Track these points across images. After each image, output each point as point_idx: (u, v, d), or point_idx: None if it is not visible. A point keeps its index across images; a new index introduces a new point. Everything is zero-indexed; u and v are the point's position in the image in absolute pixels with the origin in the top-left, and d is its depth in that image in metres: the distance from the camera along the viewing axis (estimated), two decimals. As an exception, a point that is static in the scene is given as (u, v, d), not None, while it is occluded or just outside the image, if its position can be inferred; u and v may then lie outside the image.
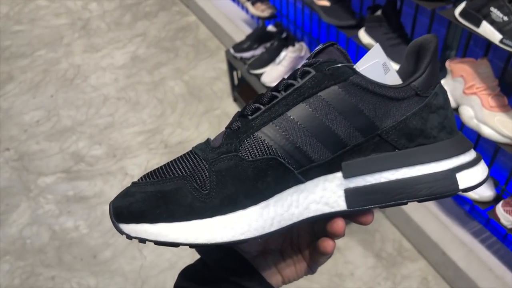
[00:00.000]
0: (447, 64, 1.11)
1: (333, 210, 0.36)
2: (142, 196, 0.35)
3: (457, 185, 0.35)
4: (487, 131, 1.04)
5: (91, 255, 1.45)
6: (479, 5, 0.95)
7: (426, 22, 1.24)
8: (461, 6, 1.00)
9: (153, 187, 0.35)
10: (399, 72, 0.39)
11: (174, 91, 2.13)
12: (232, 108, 2.01)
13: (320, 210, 0.36)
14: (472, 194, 1.16)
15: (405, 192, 0.35)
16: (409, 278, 1.34)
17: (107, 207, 1.58)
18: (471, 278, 1.22)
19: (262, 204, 0.35)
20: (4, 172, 1.75)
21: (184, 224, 0.34)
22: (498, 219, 1.10)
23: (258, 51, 1.85)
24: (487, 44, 1.11)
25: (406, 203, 0.36)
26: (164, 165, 0.37)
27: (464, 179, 0.36)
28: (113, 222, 0.35)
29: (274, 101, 0.36)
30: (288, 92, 0.35)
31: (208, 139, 0.37)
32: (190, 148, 0.38)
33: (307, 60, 0.37)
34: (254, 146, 0.35)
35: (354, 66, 0.35)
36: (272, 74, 1.69)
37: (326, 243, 0.38)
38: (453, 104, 1.13)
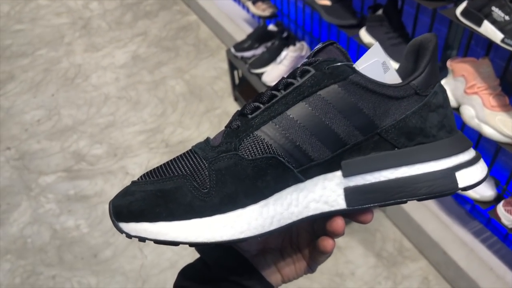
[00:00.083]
0: (448, 63, 1.11)
1: (332, 209, 0.36)
2: (141, 195, 0.35)
3: (457, 184, 0.35)
4: (488, 131, 1.04)
5: (91, 254, 1.45)
6: (481, 4, 0.95)
7: (427, 21, 1.24)
8: (462, 5, 0.99)
9: (152, 186, 0.35)
10: (398, 71, 0.39)
11: (175, 91, 2.13)
12: (233, 108, 2.01)
13: (320, 209, 0.36)
14: (473, 194, 1.16)
15: (404, 191, 0.35)
16: (409, 278, 1.34)
17: (107, 206, 1.58)
18: (472, 278, 1.21)
19: (262, 203, 0.35)
20: (5, 171, 1.75)
21: (183, 223, 0.34)
22: (499, 218, 1.10)
23: (259, 50, 1.85)
24: (489, 44, 1.11)
25: (405, 202, 0.36)
26: (164, 164, 0.37)
27: (464, 178, 0.36)
28: (112, 221, 0.35)
29: (274, 100, 0.36)
30: (287, 91, 0.35)
31: (207, 138, 0.37)
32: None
33: (306, 59, 0.37)
34: (253, 145, 0.35)
35: (354, 65, 0.35)
36: (273, 74, 1.69)
37: (325, 242, 0.38)
38: (454, 103, 1.13)
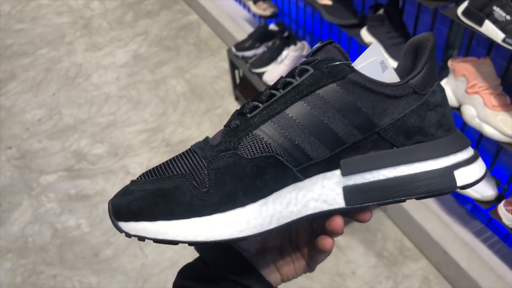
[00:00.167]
0: (450, 63, 1.11)
1: (331, 207, 0.36)
2: (141, 194, 0.35)
3: (455, 183, 0.35)
4: (489, 131, 1.04)
5: (92, 254, 1.45)
6: (482, 4, 0.95)
7: (429, 21, 1.24)
8: (464, 5, 0.99)
9: (152, 185, 0.35)
10: (397, 70, 0.39)
11: (176, 90, 2.13)
12: (234, 107, 2.01)
13: (319, 208, 0.36)
14: (474, 194, 1.16)
15: (403, 189, 0.35)
16: (410, 278, 1.34)
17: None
18: (473, 277, 1.21)
19: (261, 202, 0.35)
20: (6, 170, 1.76)
21: (183, 222, 0.34)
22: (500, 218, 1.10)
23: (260, 50, 1.85)
24: (490, 43, 1.11)
25: (404, 201, 0.36)
26: (163, 163, 0.37)
27: (462, 177, 0.36)
28: (112, 220, 0.35)
29: (273, 99, 0.36)
30: (286, 90, 0.35)
31: (206, 137, 0.37)
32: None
33: (305, 59, 0.37)
34: (252, 144, 0.35)
35: (352, 64, 0.35)
36: (273, 73, 1.68)
37: (325, 241, 0.38)
38: (455, 103, 1.13)
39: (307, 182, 0.36)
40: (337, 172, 0.36)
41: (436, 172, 0.35)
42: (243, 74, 1.93)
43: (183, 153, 0.37)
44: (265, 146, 0.35)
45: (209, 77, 2.20)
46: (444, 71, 1.23)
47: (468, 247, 1.27)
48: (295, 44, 1.72)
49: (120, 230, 0.34)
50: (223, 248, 0.42)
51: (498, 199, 1.15)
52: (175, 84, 2.17)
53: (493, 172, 1.23)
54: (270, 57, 1.75)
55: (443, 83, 1.15)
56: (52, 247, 1.48)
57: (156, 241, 0.34)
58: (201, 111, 2.00)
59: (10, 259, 1.44)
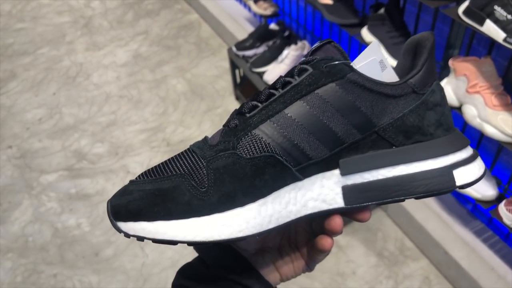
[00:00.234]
0: (450, 62, 1.11)
1: (330, 207, 0.36)
2: (140, 194, 0.35)
3: (454, 182, 0.35)
4: (490, 130, 1.03)
5: (93, 253, 1.45)
6: (483, 3, 0.94)
7: (429, 20, 1.24)
8: (465, 4, 0.99)
9: (150, 185, 0.35)
10: (396, 69, 0.39)
11: (176, 89, 2.13)
12: (234, 107, 2.01)
13: (318, 208, 0.36)
14: (474, 193, 1.16)
15: (402, 189, 0.35)
16: (411, 277, 1.34)
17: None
18: (473, 277, 1.21)
19: (260, 201, 0.35)
20: (6, 169, 1.76)
21: (182, 222, 0.34)
22: (501, 218, 1.09)
23: (261, 49, 1.85)
24: (491, 43, 1.11)
25: (403, 200, 0.36)
26: (162, 163, 0.37)
27: (461, 176, 0.36)
28: (111, 220, 0.35)
29: (272, 99, 0.36)
30: (285, 89, 0.35)
31: (205, 137, 0.37)
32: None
33: (304, 58, 0.37)
34: (251, 144, 0.35)
35: (351, 64, 0.35)
36: (274, 73, 1.68)
37: (324, 241, 0.38)
38: (456, 103, 1.12)
39: (306, 182, 0.36)
40: (336, 171, 0.36)
41: (435, 172, 0.35)
42: (243, 74, 1.93)
43: (182, 153, 0.37)
44: (264, 146, 0.34)
45: (209, 77, 2.20)
46: (445, 71, 1.22)
47: (469, 247, 1.27)
48: (295, 43, 1.72)
49: (119, 230, 0.34)
50: (222, 248, 0.41)
51: (498, 199, 1.15)
52: (176, 84, 2.17)
53: (494, 171, 1.23)
54: (271, 57, 1.75)
55: (444, 82, 1.15)
56: (52, 246, 1.48)
57: (155, 241, 0.34)
58: (202, 110, 2.00)
59: (11, 259, 1.45)
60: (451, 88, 1.13)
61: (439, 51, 1.27)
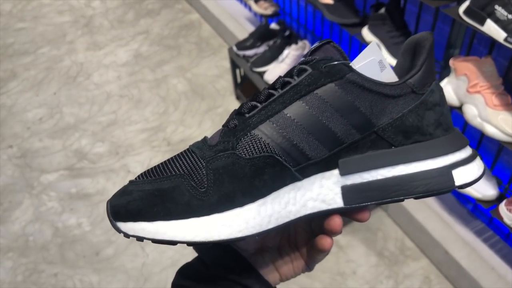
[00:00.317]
0: (451, 62, 1.11)
1: (330, 207, 0.36)
2: (139, 195, 0.35)
3: (453, 182, 0.35)
4: (490, 130, 1.03)
5: (93, 252, 1.45)
6: (484, 3, 0.94)
7: (430, 20, 1.24)
8: (465, 4, 0.99)
9: (150, 186, 0.35)
10: (395, 69, 0.39)
11: (177, 89, 2.13)
12: (235, 106, 2.01)
13: (317, 208, 0.36)
14: (475, 193, 1.16)
15: (401, 189, 0.35)
16: (411, 277, 1.34)
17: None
18: (474, 277, 1.21)
19: (259, 201, 0.35)
20: (7, 169, 1.76)
21: (181, 222, 0.34)
22: (501, 218, 1.09)
23: (261, 49, 1.85)
24: (491, 43, 1.11)
25: (402, 200, 0.36)
26: (162, 163, 0.37)
27: (460, 176, 0.36)
28: (110, 220, 0.35)
29: (271, 99, 0.36)
30: (284, 90, 0.35)
31: (205, 137, 0.37)
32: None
33: (303, 58, 0.37)
34: (251, 144, 0.35)
35: (351, 64, 0.35)
36: (275, 72, 1.68)
37: (323, 240, 0.38)
38: (456, 102, 1.12)
39: (306, 182, 0.36)
40: (336, 171, 0.36)
41: (435, 172, 0.35)
42: (244, 73, 1.93)
43: (181, 153, 0.37)
44: (264, 146, 0.35)
45: (210, 76, 2.20)
46: (445, 70, 1.22)
47: (469, 246, 1.27)
48: (296, 43, 1.72)
49: (119, 230, 0.34)
50: (222, 248, 0.41)
51: (499, 199, 1.15)
52: (176, 83, 2.17)
53: (494, 171, 1.23)
54: (271, 56, 1.74)
55: (445, 82, 1.15)
56: (53, 246, 1.48)
57: (155, 241, 0.34)
58: (202, 110, 2.00)
59: (11, 258, 1.45)
60: (451, 88, 1.13)
61: (440, 50, 1.27)
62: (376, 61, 0.36)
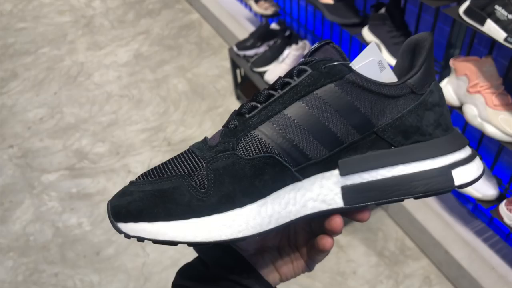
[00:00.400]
0: (451, 62, 1.11)
1: (330, 207, 0.36)
2: (140, 195, 0.35)
3: (453, 182, 0.35)
4: (490, 130, 1.03)
5: (94, 252, 1.45)
6: (484, 3, 0.94)
7: (430, 20, 1.24)
8: (466, 4, 0.99)
9: (150, 186, 0.35)
10: (394, 69, 0.39)
11: (177, 89, 2.14)
12: (235, 106, 2.01)
13: (317, 208, 0.36)
14: (475, 193, 1.16)
15: (401, 189, 0.35)
16: (411, 277, 1.34)
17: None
18: (474, 277, 1.21)
19: (260, 202, 0.35)
20: (7, 169, 1.76)
21: (182, 222, 0.34)
22: (501, 218, 1.09)
23: (261, 49, 1.85)
24: (492, 43, 1.11)
25: (402, 200, 0.36)
26: (162, 164, 0.37)
27: (460, 176, 0.36)
28: (111, 221, 0.35)
29: (271, 100, 0.36)
30: (284, 90, 0.35)
31: (205, 138, 0.37)
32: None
33: (303, 59, 0.37)
34: (251, 144, 0.35)
35: (350, 64, 0.35)
36: (275, 72, 1.68)
37: (324, 240, 0.38)
38: (456, 102, 1.12)
39: (306, 182, 0.36)
40: (336, 172, 0.36)
41: (434, 172, 0.35)
42: (244, 73, 1.93)
43: (181, 153, 0.37)
44: (264, 147, 0.35)
45: (210, 76, 2.20)
46: (445, 71, 1.22)
47: (469, 246, 1.27)
48: (296, 43, 1.72)
49: (119, 231, 0.34)
50: (222, 248, 0.41)
51: (499, 199, 1.15)
52: (177, 83, 2.17)
53: (495, 171, 1.23)
54: (272, 56, 1.75)
55: (445, 82, 1.15)
56: (53, 245, 1.48)
57: (156, 241, 0.34)
58: (203, 110, 2.00)
59: (12, 258, 1.45)
60: (451, 88, 1.13)
61: (440, 50, 1.27)
62: (375, 62, 0.36)
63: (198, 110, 2.00)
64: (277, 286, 0.44)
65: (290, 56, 1.69)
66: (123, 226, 0.34)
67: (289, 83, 0.36)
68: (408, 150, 0.36)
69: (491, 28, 0.93)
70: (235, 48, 1.86)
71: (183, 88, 2.14)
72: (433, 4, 1.07)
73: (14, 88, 2.19)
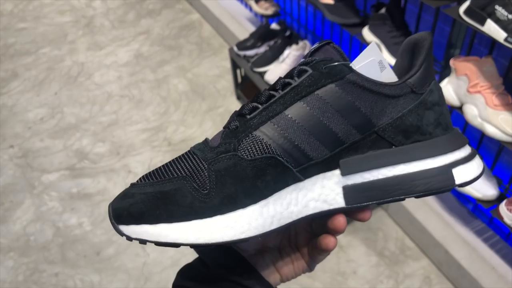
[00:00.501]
0: (451, 62, 1.11)
1: (331, 207, 0.36)
2: (141, 197, 0.34)
3: (453, 180, 0.36)
4: (491, 130, 1.03)
5: (94, 252, 1.46)
6: (484, 3, 0.94)
7: (431, 20, 1.24)
8: (466, 4, 0.99)
9: (152, 188, 0.35)
10: (394, 69, 0.39)
11: (178, 89, 2.14)
12: (235, 106, 2.01)
13: (319, 208, 0.36)
14: (475, 193, 1.16)
15: (402, 188, 0.36)
16: (411, 277, 1.34)
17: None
18: (474, 277, 1.21)
19: (262, 203, 0.35)
20: (8, 169, 1.76)
21: (184, 224, 0.34)
22: (502, 218, 1.09)
23: (262, 49, 1.85)
24: (492, 43, 1.11)
25: (403, 199, 0.36)
26: (163, 165, 0.37)
27: (460, 174, 0.36)
28: (113, 224, 0.34)
29: (272, 100, 0.36)
30: (285, 91, 0.35)
31: (206, 139, 0.37)
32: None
33: (303, 59, 0.37)
34: (252, 145, 0.35)
35: (350, 65, 0.35)
36: (275, 72, 1.68)
37: (327, 240, 0.38)
38: (457, 102, 1.12)
39: (307, 183, 0.36)
40: (337, 172, 0.36)
41: (435, 171, 0.35)
42: (244, 73, 1.93)
43: (182, 155, 0.37)
44: (265, 147, 0.35)
45: (210, 76, 2.20)
46: (446, 71, 1.22)
47: (470, 246, 1.27)
48: (296, 43, 1.72)
49: (121, 233, 0.34)
50: (223, 249, 0.41)
51: (499, 199, 1.15)
52: (177, 83, 2.17)
53: (495, 171, 1.23)
54: (272, 56, 1.75)
55: (445, 82, 1.15)
56: (54, 245, 1.48)
57: (158, 244, 0.34)
58: (203, 110, 2.00)
59: (12, 258, 1.45)
60: (452, 88, 1.13)
61: (440, 50, 1.27)
62: (376, 62, 0.36)
63: (198, 110, 2.01)
64: (278, 287, 0.44)
65: (290, 56, 1.69)
66: (124, 228, 0.34)
67: (289, 84, 0.36)
68: (409, 149, 0.36)
69: (491, 28, 0.93)
70: (235, 48, 1.86)
71: (184, 88, 2.14)
72: (433, 4, 1.07)
73: (14, 88, 2.19)
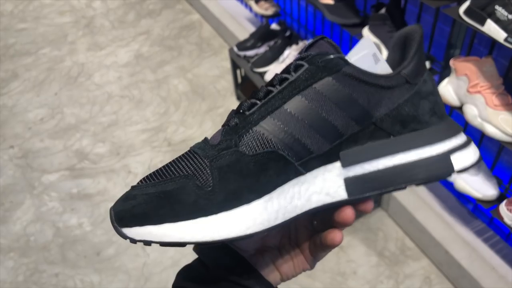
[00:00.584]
0: (451, 62, 1.11)
1: (334, 200, 0.36)
2: (144, 198, 0.34)
3: (452, 167, 0.36)
4: (491, 130, 1.03)
5: (94, 252, 1.46)
6: (484, 3, 0.94)
7: (431, 20, 1.24)
8: (466, 4, 0.99)
9: (154, 189, 0.34)
10: (387, 62, 0.40)
11: (178, 89, 2.14)
12: (235, 107, 2.00)
13: (322, 201, 0.36)
14: (475, 193, 1.16)
15: (402, 176, 0.36)
16: (411, 277, 1.34)
17: (110, 205, 1.58)
18: (474, 277, 1.21)
19: (266, 197, 0.35)
20: (8, 169, 1.76)
21: (189, 222, 0.33)
22: (502, 218, 1.09)
23: (262, 49, 1.85)
24: (492, 43, 1.11)
25: (404, 188, 0.36)
26: (164, 166, 0.37)
27: (458, 161, 0.36)
28: (115, 227, 0.34)
29: (270, 96, 0.36)
30: (283, 86, 0.36)
31: (205, 138, 0.37)
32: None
33: (299, 55, 0.37)
34: (253, 140, 0.35)
35: (346, 57, 0.36)
36: (275, 72, 1.68)
37: (333, 234, 0.38)
38: (457, 102, 1.12)
39: (309, 176, 0.36)
40: (338, 164, 0.36)
41: (433, 158, 0.36)
42: (244, 74, 1.93)
43: (183, 154, 0.37)
44: (266, 142, 0.35)
45: (211, 77, 2.21)
46: (446, 71, 1.23)
47: (470, 246, 1.27)
48: (296, 43, 1.72)
49: (125, 236, 0.33)
50: (222, 249, 0.41)
51: (499, 199, 1.15)
52: (177, 84, 2.17)
53: (495, 171, 1.23)
54: (272, 57, 1.75)
55: (445, 82, 1.15)
56: (54, 246, 1.48)
57: (163, 244, 0.33)
58: (203, 110, 2.00)
59: (12, 258, 1.45)
60: (452, 88, 1.13)
61: (440, 51, 1.27)
62: (370, 54, 0.37)
63: (198, 110, 2.01)
64: (278, 287, 0.44)
65: (290, 57, 1.69)
66: (128, 231, 0.33)
67: (287, 79, 0.36)
68: (407, 138, 0.36)
69: (491, 28, 0.93)
70: (235, 49, 1.86)
71: (184, 89, 2.14)
72: (433, 4, 1.07)
73: (14, 88, 2.19)
